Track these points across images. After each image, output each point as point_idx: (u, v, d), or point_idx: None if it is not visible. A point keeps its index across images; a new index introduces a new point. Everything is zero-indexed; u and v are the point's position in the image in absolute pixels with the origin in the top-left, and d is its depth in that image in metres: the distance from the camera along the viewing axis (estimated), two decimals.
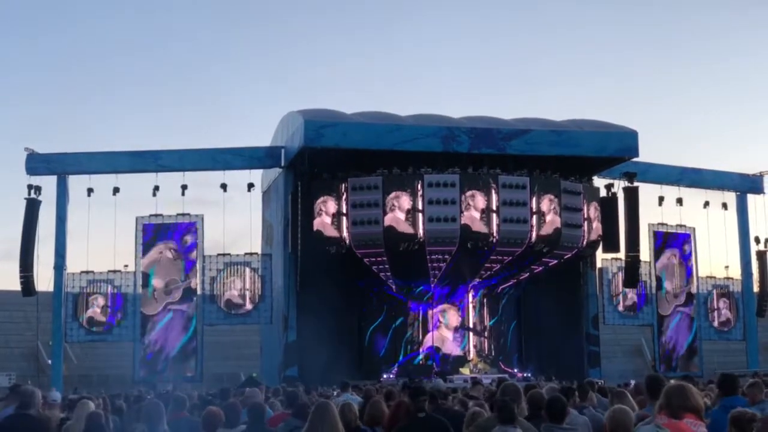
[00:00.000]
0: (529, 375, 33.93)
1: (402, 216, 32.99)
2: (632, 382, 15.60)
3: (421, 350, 35.70)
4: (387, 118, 34.57)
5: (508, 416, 7.51)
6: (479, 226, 33.09)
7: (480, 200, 33.21)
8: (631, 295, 38.05)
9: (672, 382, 5.94)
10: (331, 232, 33.77)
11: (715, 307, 40.23)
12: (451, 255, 33.24)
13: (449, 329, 36.07)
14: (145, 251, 34.76)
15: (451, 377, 31.25)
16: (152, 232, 34.91)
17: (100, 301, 34.60)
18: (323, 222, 33.88)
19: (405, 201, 33.06)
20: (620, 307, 38.05)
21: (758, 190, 41.26)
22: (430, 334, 35.76)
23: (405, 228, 32.94)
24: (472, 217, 33.02)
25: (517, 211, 33.51)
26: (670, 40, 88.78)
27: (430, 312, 35.90)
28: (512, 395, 8.42)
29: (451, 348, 35.83)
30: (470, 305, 36.82)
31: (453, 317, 36.19)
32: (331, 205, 33.86)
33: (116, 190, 34.23)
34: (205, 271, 34.75)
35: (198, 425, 9.06)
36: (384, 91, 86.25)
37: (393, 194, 33.03)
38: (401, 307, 36.38)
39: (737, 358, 40.79)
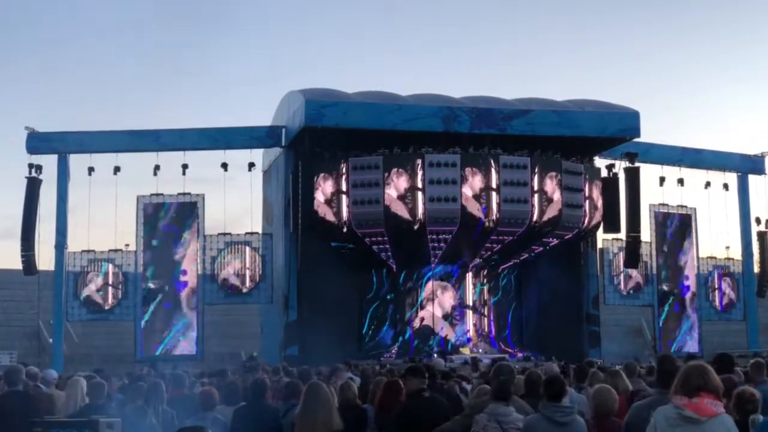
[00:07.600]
0: (529, 355, 34.03)
1: (395, 195, 32.89)
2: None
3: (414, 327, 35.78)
4: (388, 98, 34.49)
5: (503, 395, 7.52)
6: (477, 207, 33.09)
7: (479, 180, 33.19)
8: (635, 275, 38.02)
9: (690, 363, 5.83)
10: (329, 213, 33.76)
11: (716, 287, 40.27)
12: (452, 235, 33.25)
13: (449, 310, 36.11)
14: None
15: (451, 357, 31.33)
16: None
17: (99, 281, 34.65)
18: (321, 204, 33.91)
19: (402, 182, 33.01)
20: (621, 288, 38.06)
21: (759, 170, 41.17)
22: (430, 316, 35.81)
23: (402, 210, 32.91)
24: (469, 198, 33.00)
25: (517, 192, 33.49)
26: (672, 20, 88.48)
27: (429, 291, 35.93)
28: (506, 375, 8.44)
29: (451, 330, 35.86)
30: (470, 285, 36.86)
31: (452, 298, 36.22)
32: (329, 186, 33.85)
33: (117, 169, 34.21)
34: (206, 251, 34.79)
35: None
36: (385, 70, 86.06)
37: (392, 173, 32.98)
38: (402, 288, 36.42)
39: (737, 338, 40.85)
